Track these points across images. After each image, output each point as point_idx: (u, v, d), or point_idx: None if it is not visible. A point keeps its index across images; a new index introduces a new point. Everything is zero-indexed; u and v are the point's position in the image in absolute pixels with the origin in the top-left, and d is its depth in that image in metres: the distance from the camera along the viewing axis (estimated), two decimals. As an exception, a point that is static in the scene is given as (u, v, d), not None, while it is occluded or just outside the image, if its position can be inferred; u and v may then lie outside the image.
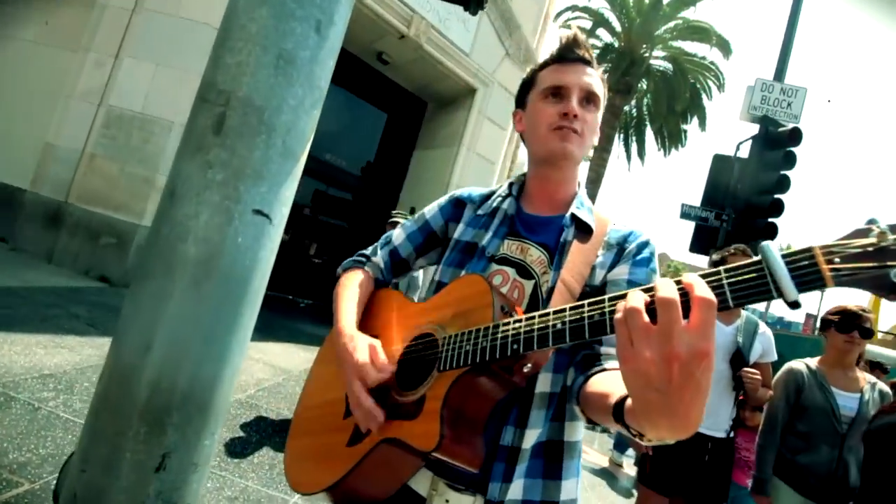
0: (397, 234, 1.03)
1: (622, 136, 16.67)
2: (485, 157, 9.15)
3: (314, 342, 5.55)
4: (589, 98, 0.87)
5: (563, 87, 0.86)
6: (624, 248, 0.87)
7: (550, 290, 0.82)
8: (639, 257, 0.86)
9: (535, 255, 0.86)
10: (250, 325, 1.34)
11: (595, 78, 0.88)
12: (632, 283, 0.83)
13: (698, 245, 6.90)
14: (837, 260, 0.44)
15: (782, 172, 5.93)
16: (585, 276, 0.84)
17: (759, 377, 2.00)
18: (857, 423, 1.95)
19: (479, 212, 0.96)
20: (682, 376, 0.44)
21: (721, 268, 0.49)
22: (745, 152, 6.52)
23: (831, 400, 1.99)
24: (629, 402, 0.55)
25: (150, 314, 1.17)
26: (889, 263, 0.42)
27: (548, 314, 0.62)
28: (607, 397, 0.64)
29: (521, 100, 0.96)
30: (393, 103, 9.59)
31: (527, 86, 0.94)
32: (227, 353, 1.27)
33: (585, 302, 0.58)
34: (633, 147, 17.09)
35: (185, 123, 1.30)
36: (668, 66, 14.75)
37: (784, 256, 0.46)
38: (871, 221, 0.44)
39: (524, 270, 0.86)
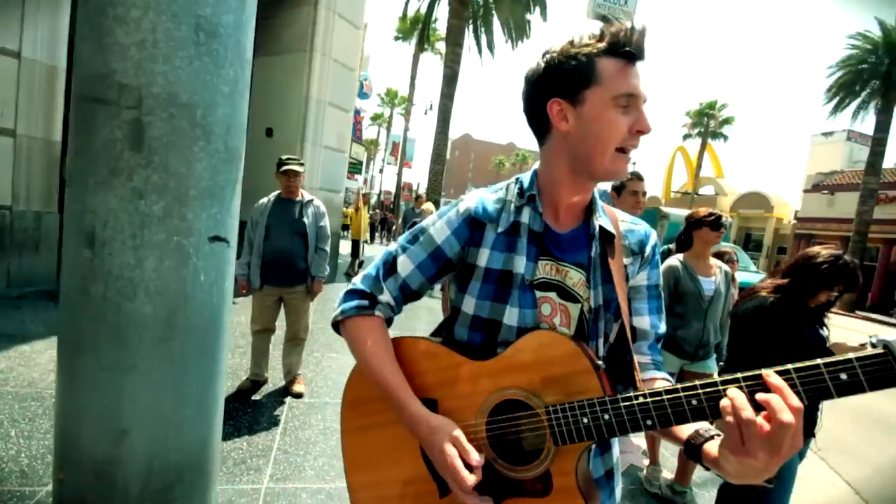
0: (403, 264, 0.87)
1: (472, 27, 16.38)
2: (343, 64, 8.25)
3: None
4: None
5: (637, 96, 0.75)
6: (644, 254, 0.89)
7: (594, 311, 0.82)
8: (654, 259, 0.90)
9: (575, 278, 0.83)
10: (224, 362, 1.15)
11: None
12: (650, 288, 0.90)
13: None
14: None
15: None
16: (627, 291, 0.85)
17: None
18: (714, 300, 2.59)
19: (500, 230, 0.84)
20: (778, 464, 0.54)
21: (791, 367, 0.55)
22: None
23: (698, 286, 2.58)
24: (710, 450, 0.62)
25: (109, 394, 0.93)
26: None
27: (677, 391, 0.62)
28: (670, 427, 0.68)
29: (568, 89, 0.77)
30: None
31: (582, 76, 0.76)
32: (213, 403, 1.10)
33: (718, 380, 0.60)
34: (483, 39, 17.05)
35: None
36: (510, -50, 14.39)
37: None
38: None
39: (564, 292, 0.82)
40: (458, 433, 0.73)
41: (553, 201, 0.85)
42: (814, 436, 1.88)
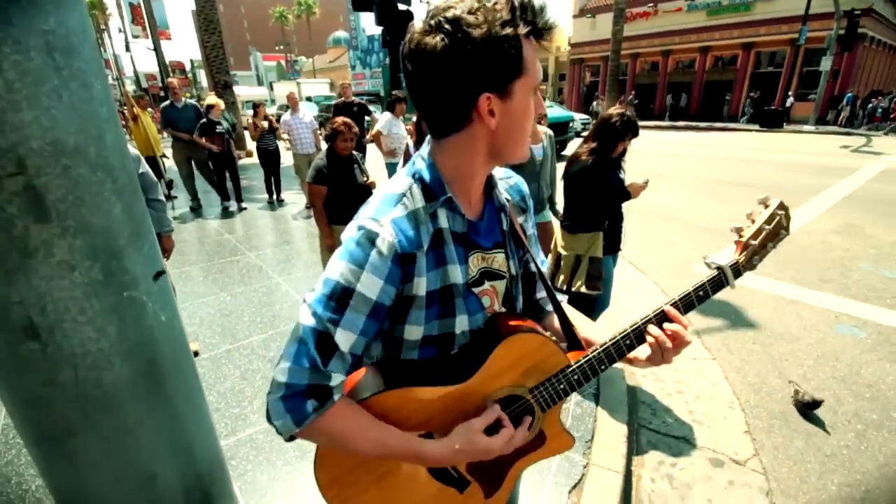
0: (344, 339, 0.71)
1: None
2: None
3: None
4: None
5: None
6: (527, 207, 0.95)
7: (514, 278, 0.88)
8: (529, 205, 0.96)
9: (499, 260, 0.86)
10: (197, 372, 1.17)
11: None
12: (534, 235, 0.97)
13: (360, 3, 6.92)
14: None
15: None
16: (527, 244, 0.91)
17: None
18: (543, 162, 3.15)
19: (426, 247, 0.75)
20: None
21: (677, 298, 0.81)
22: None
23: (531, 153, 3.08)
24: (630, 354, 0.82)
25: (126, 455, 0.93)
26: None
27: (616, 339, 0.81)
28: (590, 340, 0.89)
29: (499, 82, 0.69)
30: None
31: (513, 66, 0.68)
32: (205, 412, 1.16)
33: (639, 322, 0.81)
34: None
35: None
36: None
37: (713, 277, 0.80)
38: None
39: (491, 274, 0.85)
40: (469, 423, 0.75)
41: (465, 193, 0.80)
42: (620, 250, 2.69)
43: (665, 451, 2.26)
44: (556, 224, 3.09)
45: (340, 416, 0.72)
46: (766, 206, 0.87)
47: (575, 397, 2.55)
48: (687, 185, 8.11)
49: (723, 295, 3.86)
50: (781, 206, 0.86)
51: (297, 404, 0.69)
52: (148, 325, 0.93)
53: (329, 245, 3.15)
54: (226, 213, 6.68)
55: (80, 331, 0.82)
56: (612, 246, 2.60)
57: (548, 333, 0.84)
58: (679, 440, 2.33)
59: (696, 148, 13.20)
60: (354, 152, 3.21)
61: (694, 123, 20.55)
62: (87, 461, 0.91)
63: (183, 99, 6.63)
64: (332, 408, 0.71)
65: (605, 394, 2.56)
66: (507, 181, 0.93)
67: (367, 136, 6.56)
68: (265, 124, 7.09)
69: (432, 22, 0.67)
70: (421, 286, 0.75)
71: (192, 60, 42.57)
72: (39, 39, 0.71)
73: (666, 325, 0.80)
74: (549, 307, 0.99)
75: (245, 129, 11.00)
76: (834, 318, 3.44)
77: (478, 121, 0.71)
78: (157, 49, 24.17)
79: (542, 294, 1.00)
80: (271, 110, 24.42)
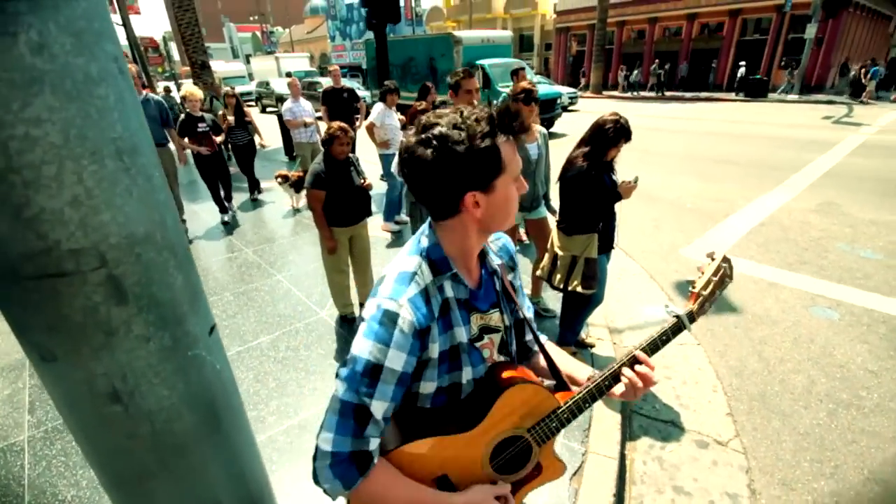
0: (379, 408, 0.83)
1: None
2: None
3: None
4: None
5: None
6: (514, 264, 1.09)
7: (508, 328, 1.01)
8: (515, 260, 1.11)
9: (495, 318, 0.99)
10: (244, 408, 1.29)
11: None
12: (520, 285, 1.11)
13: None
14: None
15: None
16: (517, 297, 1.05)
17: None
18: (538, 160, 3.24)
19: (436, 316, 0.87)
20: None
21: (645, 344, 0.94)
22: None
23: (526, 153, 3.16)
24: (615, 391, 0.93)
25: (196, 486, 1.06)
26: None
27: (596, 379, 0.94)
28: (573, 377, 1.04)
29: (481, 181, 0.82)
30: None
31: (493, 167, 0.81)
32: (254, 444, 1.28)
33: (615, 366, 0.93)
34: None
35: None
36: None
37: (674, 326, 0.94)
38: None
39: (489, 329, 0.98)
40: (487, 487, 0.92)
41: (466, 265, 0.93)
42: (613, 248, 2.83)
43: (655, 435, 2.47)
44: (551, 220, 3.21)
45: (381, 478, 0.84)
46: (713, 260, 1.01)
47: (572, 387, 2.74)
48: (671, 163, 8.25)
49: (708, 279, 4.07)
50: (725, 259, 1.01)
51: (346, 471, 0.81)
52: (207, 376, 1.04)
53: (330, 247, 3.22)
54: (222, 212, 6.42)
55: (155, 391, 0.93)
56: (606, 245, 2.73)
57: (538, 379, 0.97)
58: (668, 424, 2.55)
59: (680, 122, 13.30)
60: (351, 155, 3.26)
61: (680, 94, 20.56)
62: (163, 499, 1.04)
63: (143, 91, 5.15)
64: (374, 470, 0.83)
65: (600, 383, 2.75)
66: (496, 242, 1.05)
67: (357, 125, 6.52)
68: (231, 119, 6.35)
69: (423, 135, 0.80)
70: (435, 350, 0.87)
71: (164, 37, 40.67)
72: (111, 147, 0.79)
73: (637, 368, 0.92)
74: (536, 347, 1.10)
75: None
76: (810, 300, 3.67)
77: (465, 211, 0.85)
78: (125, 24, 22.99)
79: (529, 336, 1.12)
80: (250, 86, 23.65)
